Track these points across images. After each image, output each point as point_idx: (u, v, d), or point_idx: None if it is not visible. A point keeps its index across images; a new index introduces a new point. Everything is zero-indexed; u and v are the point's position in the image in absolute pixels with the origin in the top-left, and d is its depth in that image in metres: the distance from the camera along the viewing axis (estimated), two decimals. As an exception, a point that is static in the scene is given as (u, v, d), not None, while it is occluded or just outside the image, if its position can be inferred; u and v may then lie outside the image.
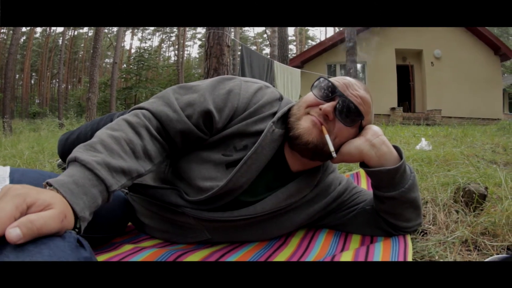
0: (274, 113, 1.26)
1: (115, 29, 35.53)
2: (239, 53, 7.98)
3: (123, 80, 31.64)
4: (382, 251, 1.14)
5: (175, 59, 38.17)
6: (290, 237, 1.43)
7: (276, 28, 16.61)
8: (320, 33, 68.36)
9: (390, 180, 1.20)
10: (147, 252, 1.20)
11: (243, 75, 6.61)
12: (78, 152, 0.93)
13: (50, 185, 0.81)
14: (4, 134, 12.70)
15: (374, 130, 1.21)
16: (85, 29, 47.47)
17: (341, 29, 15.67)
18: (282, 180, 1.31)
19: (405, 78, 16.25)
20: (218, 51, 5.27)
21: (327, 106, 1.14)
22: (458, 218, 1.48)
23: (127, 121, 1.07)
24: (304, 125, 1.17)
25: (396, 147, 1.23)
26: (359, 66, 15.13)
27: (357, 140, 1.21)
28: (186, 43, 41.50)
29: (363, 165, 1.25)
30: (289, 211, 1.34)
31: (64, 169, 2.42)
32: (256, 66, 6.97)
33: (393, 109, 15.03)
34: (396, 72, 15.57)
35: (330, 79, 1.22)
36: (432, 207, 1.63)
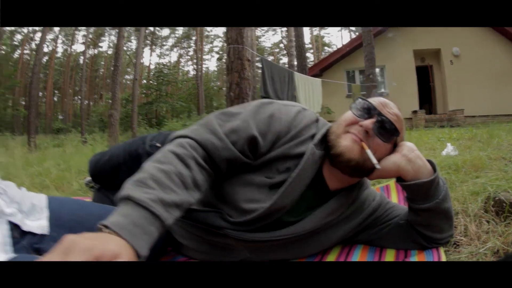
0: (313, 135, 1.31)
1: (134, 46, 36.09)
2: (257, 64, 7.99)
3: (143, 95, 32.08)
4: None
5: (194, 73, 38.54)
6: (326, 254, 1.46)
7: (293, 38, 16.66)
8: (336, 39, 68.40)
9: (425, 192, 1.24)
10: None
11: (264, 88, 6.71)
12: (130, 189, 0.95)
13: (106, 227, 0.84)
14: (29, 150, 13.04)
15: (409, 146, 1.28)
16: (105, 47, 48.50)
17: (357, 34, 15.51)
18: (321, 199, 1.35)
19: (425, 79, 15.82)
20: (239, 65, 5.35)
21: (368, 122, 1.20)
22: (489, 228, 1.48)
23: (175, 153, 1.10)
24: (345, 143, 1.22)
25: (429, 161, 1.28)
26: (377, 70, 14.71)
27: (394, 156, 1.26)
28: (204, 56, 41.86)
29: (399, 179, 1.29)
30: (327, 228, 1.38)
31: (92, 187, 2.48)
32: (277, 79, 7.03)
33: (415, 112, 14.64)
34: (416, 73, 15.22)
35: (368, 99, 1.28)
36: (463, 217, 1.64)
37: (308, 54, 42.26)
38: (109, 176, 1.90)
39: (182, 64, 47.92)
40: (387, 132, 1.24)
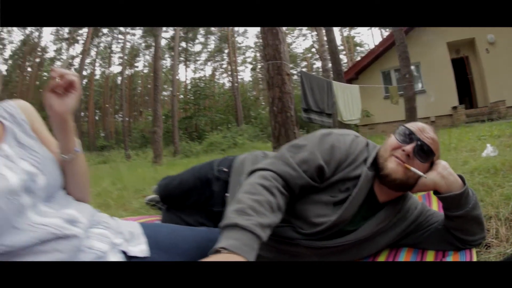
0: (365, 159, 1.58)
1: (168, 63, 36.83)
2: (294, 76, 8.17)
3: (182, 110, 32.43)
4: None
5: (229, 85, 38.80)
6: (377, 256, 1.72)
7: (324, 42, 16.75)
8: (367, 38, 67.62)
9: (457, 203, 1.48)
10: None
11: (305, 100, 6.87)
12: (235, 218, 1.21)
13: (225, 248, 1.11)
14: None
15: (443, 165, 1.51)
16: (140, 67, 49.88)
17: (389, 32, 15.20)
18: (373, 210, 1.61)
19: (461, 71, 15.03)
20: (280, 80, 5.56)
21: (409, 147, 1.46)
22: (518, 230, 1.66)
23: (262, 185, 1.37)
24: (391, 165, 1.48)
25: (460, 176, 1.52)
26: (413, 67, 13.89)
27: (431, 173, 1.50)
28: (238, 68, 42.18)
29: (436, 192, 1.53)
30: (378, 235, 1.63)
31: (153, 205, 2.75)
32: (316, 90, 7.17)
33: (454, 108, 13.97)
34: (452, 67, 14.40)
35: (407, 126, 1.54)
36: (495, 221, 1.82)
37: (341, 56, 42.03)
38: (180, 199, 2.15)
39: (217, 77, 48.53)
40: (425, 154, 1.48)
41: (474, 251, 1.54)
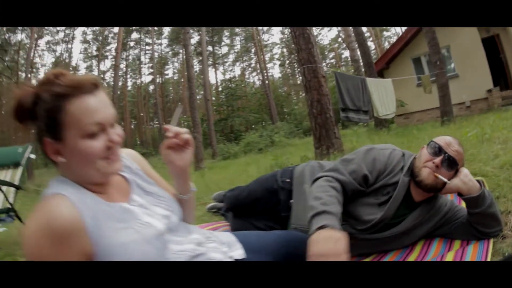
0: (402, 167, 1.97)
1: (197, 68, 37.37)
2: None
3: (215, 112, 32.56)
4: (472, 250, 1.79)
5: (259, 83, 38.88)
6: (415, 245, 2.08)
7: (350, 31, 16.77)
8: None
9: (475, 203, 1.82)
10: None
11: (342, 100, 7.07)
12: (323, 207, 1.63)
13: (325, 226, 1.49)
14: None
15: (465, 173, 1.85)
16: (170, 74, 50.91)
17: None
18: (410, 208, 1.97)
19: (493, 51, 13.62)
20: (316, 83, 5.84)
21: (438, 160, 1.83)
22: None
23: (331, 186, 1.81)
24: (424, 174, 1.85)
25: (478, 181, 1.87)
26: (444, 51, 13.39)
27: (455, 179, 1.84)
28: (266, 65, 42.28)
29: (459, 194, 1.88)
30: (415, 228, 2.00)
31: (215, 212, 3.07)
32: (352, 88, 7.34)
33: (489, 91, 12.90)
34: (483, 47, 13.17)
35: (437, 141, 1.91)
36: None
37: (368, 43, 41.45)
38: (249, 207, 2.49)
39: (246, 76, 48.85)
40: (450, 165, 1.84)
41: (491, 241, 1.87)
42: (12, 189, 4.08)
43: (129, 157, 1.40)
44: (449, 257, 1.77)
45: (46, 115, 1.03)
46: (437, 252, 1.95)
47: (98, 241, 1.04)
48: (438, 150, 1.86)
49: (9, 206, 3.86)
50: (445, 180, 1.80)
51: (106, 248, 1.05)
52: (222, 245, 1.48)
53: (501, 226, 1.92)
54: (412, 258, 1.94)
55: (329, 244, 1.38)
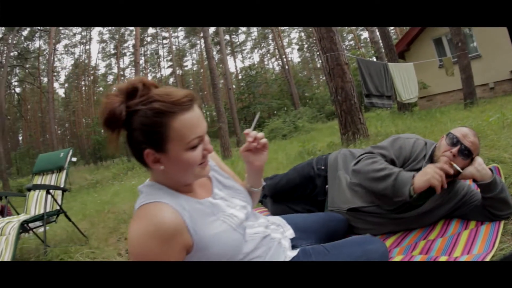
0: (424, 155, 2.18)
1: (216, 58, 37.45)
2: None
3: (237, 101, 32.25)
4: (484, 230, 1.99)
5: (279, 69, 38.52)
6: (435, 224, 2.26)
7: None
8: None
9: (488, 188, 2.02)
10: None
11: (365, 85, 7.09)
12: (394, 169, 2.02)
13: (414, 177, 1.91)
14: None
15: (479, 161, 2.05)
16: (189, 65, 51.16)
17: None
18: (431, 191, 2.08)
19: None
20: (340, 71, 5.93)
21: (454, 150, 2.01)
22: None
23: (377, 159, 2.14)
24: (442, 161, 2.02)
25: (490, 169, 2.05)
26: (466, 29, 12.90)
27: (470, 167, 2.03)
28: (285, 50, 42.00)
29: (474, 180, 2.06)
30: (435, 209, 2.19)
31: (262, 202, 3.24)
32: (374, 74, 7.36)
33: None
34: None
35: (454, 132, 2.09)
36: None
37: (387, 24, 40.57)
38: (288, 193, 2.67)
39: (265, 62, 48.66)
40: (466, 154, 2.03)
41: (502, 222, 2.03)
42: (59, 192, 4.29)
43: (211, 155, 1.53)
44: (464, 235, 1.97)
45: (148, 129, 1.13)
46: (455, 230, 2.13)
47: (196, 235, 1.19)
48: (456, 141, 2.05)
49: (58, 208, 4.09)
50: (459, 169, 1.97)
51: (202, 240, 1.21)
52: (278, 227, 1.73)
53: (511, 210, 2.08)
54: (433, 236, 2.13)
55: (428, 174, 1.86)
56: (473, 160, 2.06)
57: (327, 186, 2.46)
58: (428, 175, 1.87)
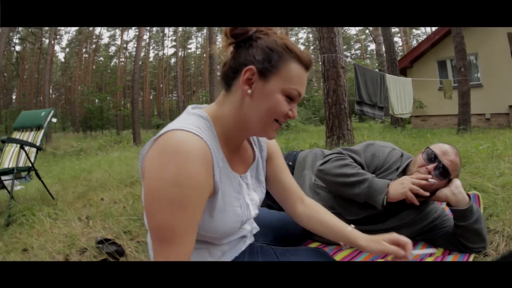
0: (398, 168, 2.06)
1: (220, 45, 37.26)
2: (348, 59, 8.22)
3: None
4: (451, 260, 1.86)
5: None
6: None
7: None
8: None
9: (462, 216, 1.87)
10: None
11: (359, 93, 7.05)
12: (366, 175, 1.92)
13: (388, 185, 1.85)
14: (135, 144, 14.61)
15: (456, 184, 1.90)
16: (193, 48, 50.93)
17: None
18: (400, 208, 2.03)
19: None
20: (335, 73, 5.87)
21: (430, 167, 1.90)
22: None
23: (349, 161, 2.02)
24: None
25: (468, 194, 1.91)
26: (472, 57, 13.09)
27: (445, 189, 1.91)
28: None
29: (448, 204, 1.93)
30: (401, 228, 2.04)
31: None
32: (370, 82, 7.31)
33: (511, 107, 12.50)
34: None
35: (433, 148, 1.96)
36: (499, 237, 2.13)
37: (396, 39, 40.83)
38: None
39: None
40: (442, 174, 1.89)
41: (472, 256, 1.93)
42: (34, 150, 4.37)
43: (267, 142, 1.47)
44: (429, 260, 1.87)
45: (269, 52, 1.09)
46: (418, 255, 2.00)
47: (217, 190, 1.10)
48: (433, 157, 1.92)
49: (30, 165, 4.16)
50: (433, 181, 1.85)
51: (219, 201, 1.11)
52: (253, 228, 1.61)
53: (485, 244, 1.95)
54: (391, 257, 2.03)
55: (405, 186, 1.81)
56: (451, 182, 1.92)
57: None
58: (405, 188, 1.81)
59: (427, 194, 1.84)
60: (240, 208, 1.23)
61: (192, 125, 1.06)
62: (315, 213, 1.49)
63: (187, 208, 0.97)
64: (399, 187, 1.83)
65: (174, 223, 0.96)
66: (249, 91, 1.10)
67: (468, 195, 1.91)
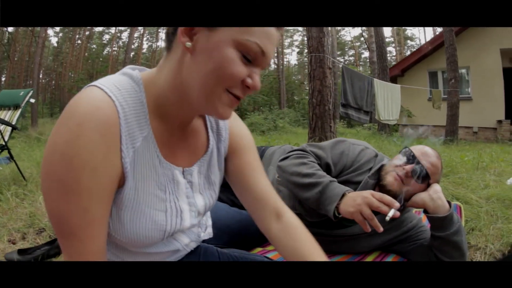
0: (370, 168, 1.84)
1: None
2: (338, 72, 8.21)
3: None
4: None
5: (275, 67, 38.60)
6: (367, 254, 1.95)
7: (372, 33, 16.56)
8: (418, 32, 65.57)
9: (440, 224, 1.65)
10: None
11: (345, 96, 6.95)
12: (324, 178, 1.68)
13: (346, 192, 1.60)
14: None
15: (435, 189, 1.69)
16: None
17: (440, 32, 14.29)
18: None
19: None
20: (321, 73, 5.73)
21: (408, 167, 1.70)
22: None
23: (310, 160, 1.81)
24: (389, 179, 1.73)
25: (449, 202, 1.70)
26: (463, 71, 13.22)
27: (423, 194, 1.69)
28: (284, 50, 41.95)
29: (425, 211, 1.73)
30: (371, 235, 1.84)
31: None
32: (357, 86, 7.21)
33: (499, 122, 12.57)
34: (503, 76, 12.64)
35: (413, 149, 1.78)
36: (480, 254, 1.97)
37: (390, 49, 41.05)
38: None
39: (262, 58, 48.65)
40: (421, 176, 1.69)
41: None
42: (9, 129, 4.46)
43: (236, 127, 1.12)
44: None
45: None
46: None
47: (126, 180, 0.81)
48: (412, 158, 1.73)
49: (3, 143, 4.21)
50: (405, 189, 1.67)
51: (127, 195, 0.83)
52: (206, 232, 1.32)
53: (464, 260, 1.70)
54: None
55: (358, 205, 1.50)
56: (429, 187, 1.71)
57: None
58: (356, 206, 1.51)
59: (397, 214, 1.46)
60: (165, 214, 0.90)
61: (113, 84, 0.79)
62: (290, 240, 1.06)
63: (80, 194, 0.71)
64: (351, 203, 1.53)
65: (66, 212, 0.72)
66: (188, 43, 0.78)
67: (449, 202, 1.70)
